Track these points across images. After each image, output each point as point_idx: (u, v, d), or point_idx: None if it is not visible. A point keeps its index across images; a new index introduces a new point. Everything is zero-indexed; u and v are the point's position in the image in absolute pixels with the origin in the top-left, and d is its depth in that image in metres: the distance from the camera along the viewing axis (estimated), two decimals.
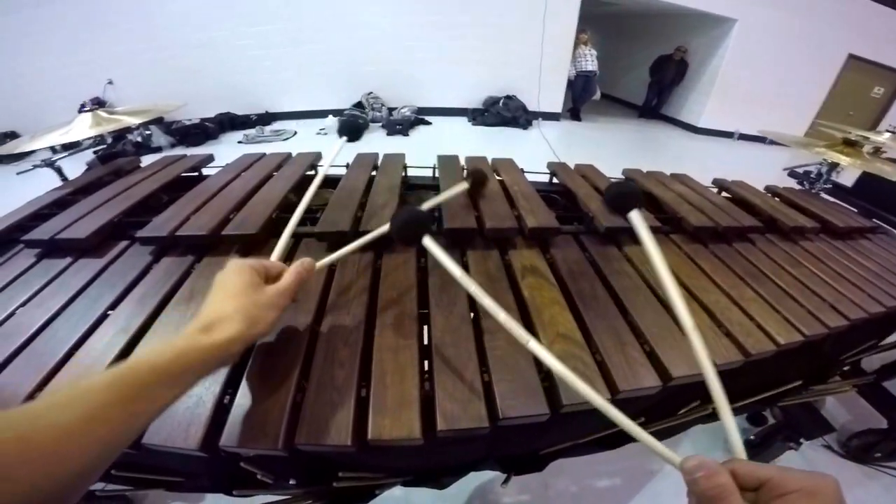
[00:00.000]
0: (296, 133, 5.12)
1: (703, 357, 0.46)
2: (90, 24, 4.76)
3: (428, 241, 0.59)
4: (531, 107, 5.97)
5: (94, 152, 1.58)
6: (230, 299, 0.46)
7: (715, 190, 1.34)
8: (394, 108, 5.49)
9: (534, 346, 0.48)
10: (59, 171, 1.53)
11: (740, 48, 6.37)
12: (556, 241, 0.88)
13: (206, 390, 0.53)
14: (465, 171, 0.93)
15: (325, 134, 5.01)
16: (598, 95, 6.63)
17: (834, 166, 1.62)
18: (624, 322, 0.69)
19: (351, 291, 0.69)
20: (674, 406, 0.85)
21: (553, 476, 1.49)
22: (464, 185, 0.88)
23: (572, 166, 1.30)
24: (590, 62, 6.24)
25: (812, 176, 1.74)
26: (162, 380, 0.38)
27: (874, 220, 1.37)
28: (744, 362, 0.68)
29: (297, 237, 0.82)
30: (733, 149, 6.43)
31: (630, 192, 0.61)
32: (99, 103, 4.47)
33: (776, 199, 1.33)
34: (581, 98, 6.55)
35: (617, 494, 1.47)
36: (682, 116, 7.40)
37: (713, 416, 1.01)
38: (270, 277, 0.53)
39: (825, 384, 1.19)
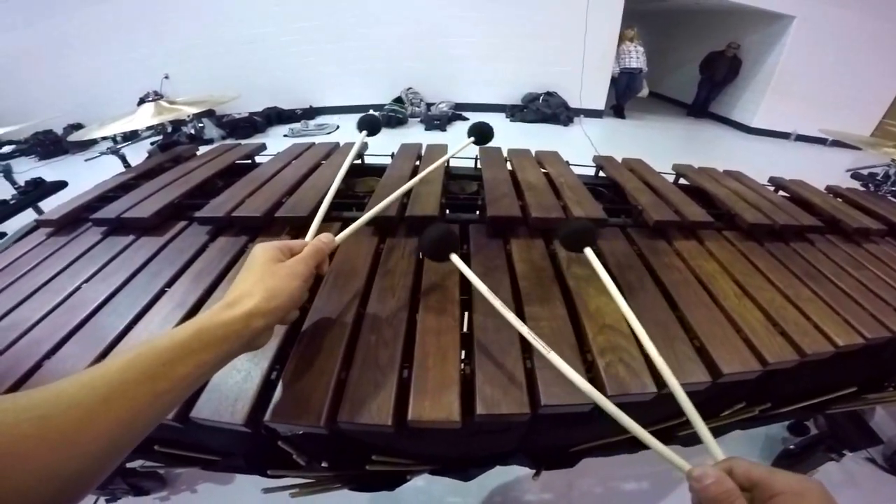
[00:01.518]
0: (338, 127, 5.24)
1: (668, 374, 0.48)
2: (146, 22, 5.07)
3: (455, 259, 0.60)
4: (573, 104, 5.83)
5: (151, 143, 1.68)
6: (252, 276, 0.47)
7: (771, 188, 1.27)
8: (432, 104, 5.52)
9: (554, 357, 0.48)
10: (122, 158, 1.64)
11: (799, 46, 5.97)
12: (604, 232, 0.87)
13: (255, 366, 0.55)
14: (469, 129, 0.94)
15: None
16: (645, 93, 6.40)
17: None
18: (673, 316, 0.67)
19: (396, 275, 0.71)
20: (717, 407, 0.82)
21: (578, 476, 1.46)
22: (469, 140, 0.90)
23: (619, 160, 1.27)
24: (635, 59, 6.02)
25: (879, 178, 1.63)
26: (181, 356, 0.36)
27: None
28: (798, 362, 0.64)
29: (345, 222, 0.85)
30: (790, 150, 6.04)
31: (585, 229, 0.63)
32: (158, 96, 4.74)
33: (838, 199, 1.25)
34: (625, 95, 6.34)
35: (642, 499, 1.42)
36: (734, 116, 7.02)
37: (756, 421, 0.97)
38: (294, 255, 0.53)
39: (880, 393, 1.10)
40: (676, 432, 0.78)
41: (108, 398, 0.31)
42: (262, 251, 0.50)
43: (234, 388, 0.53)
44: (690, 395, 0.58)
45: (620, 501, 1.43)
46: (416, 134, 4.99)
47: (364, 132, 0.91)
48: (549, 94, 5.76)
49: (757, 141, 6.29)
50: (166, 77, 5.23)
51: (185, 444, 0.71)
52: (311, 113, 5.79)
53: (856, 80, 6.23)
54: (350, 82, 5.77)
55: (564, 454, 0.81)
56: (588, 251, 0.62)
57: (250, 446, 0.70)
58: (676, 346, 0.61)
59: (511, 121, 5.67)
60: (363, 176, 1.12)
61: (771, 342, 0.64)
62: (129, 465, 1.26)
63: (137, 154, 1.57)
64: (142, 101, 1.53)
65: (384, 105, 5.41)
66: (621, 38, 5.83)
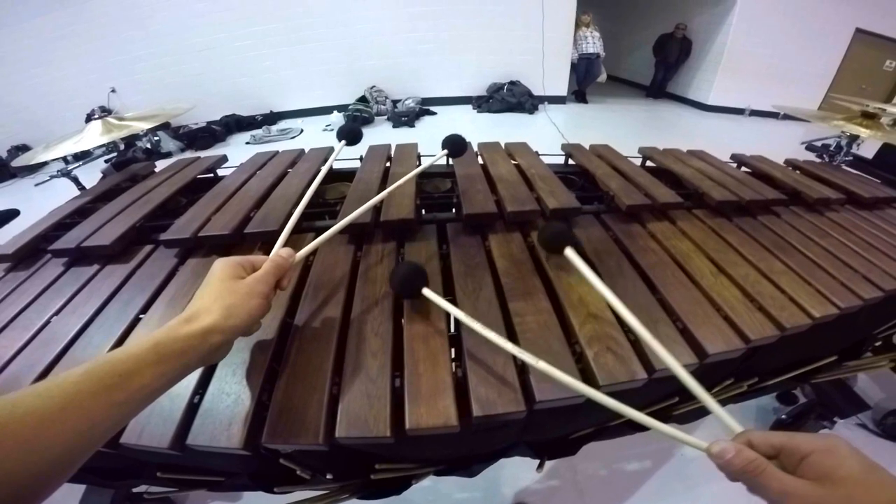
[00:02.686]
0: (302, 131, 5.13)
1: (666, 355, 0.49)
2: (88, 36, 4.80)
3: (427, 293, 0.60)
4: (536, 91, 5.89)
5: (106, 161, 1.60)
6: (210, 292, 0.47)
7: (734, 165, 1.31)
8: (398, 101, 5.47)
9: (543, 365, 0.48)
10: (75, 180, 1.55)
11: (745, 24, 6.23)
12: (578, 221, 0.88)
13: (245, 388, 0.53)
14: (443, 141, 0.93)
15: (332, 130, 5.00)
16: (603, 77, 6.52)
17: (854, 139, 1.59)
18: (653, 299, 0.68)
19: (377, 283, 0.69)
20: (706, 385, 0.84)
21: (582, 460, 1.48)
22: (444, 153, 0.90)
23: (587, 147, 1.28)
24: (592, 44, 6.13)
25: (832, 149, 1.71)
26: (138, 368, 0.37)
27: None
28: (779, 337, 0.67)
29: (317, 232, 0.83)
30: (745, 125, 6.28)
31: (562, 231, 0.66)
32: (105, 112, 4.52)
33: (797, 172, 1.30)
34: (585, 80, 6.45)
35: (647, 477, 1.46)
36: (690, 94, 7.25)
37: (745, 394, 1.00)
38: (256, 269, 0.52)
39: (859, 360, 1.16)
40: (671, 411, 0.80)
41: (64, 407, 0.32)
42: (222, 267, 0.50)
43: (225, 412, 0.51)
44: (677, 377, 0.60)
45: (625, 481, 1.46)
46: (383, 132, 4.93)
47: (343, 142, 0.89)
48: (512, 83, 5.79)
49: (714, 118, 6.52)
50: (113, 91, 5.00)
51: (189, 468, 0.69)
52: (272, 118, 5.64)
53: (801, 54, 6.54)
54: (311, 84, 5.65)
55: (565, 442, 0.82)
56: (569, 251, 0.63)
57: (253, 465, 0.68)
58: (660, 329, 0.62)
59: (478, 112, 5.69)
60: (332, 182, 1.10)
61: (751, 319, 0.66)
62: (134, 490, 1.22)
63: (91, 174, 1.49)
64: (89, 118, 1.45)
65: (348, 105, 5.33)
66: (578, 24, 5.92)
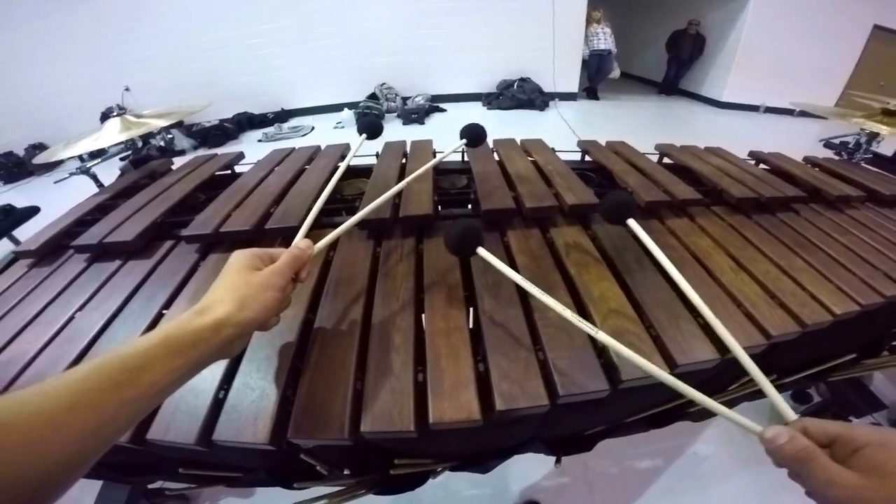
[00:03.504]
0: (313, 128, 5.15)
1: (730, 339, 0.49)
2: (100, 34, 4.86)
3: (482, 252, 0.60)
4: (547, 88, 5.86)
5: (121, 159, 1.62)
6: (225, 284, 0.45)
7: (752, 162, 1.29)
8: (408, 98, 5.47)
9: (603, 336, 0.49)
10: (94, 177, 1.58)
11: (759, 21, 6.13)
12: (597, 217, 0.87)
13: (270, 384, 0.54)
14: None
15: (343, 127, 5.02)
16: (616, 74, 6.45)
17: (874, 136, 1.56)
18: (674, 295, 0.68)
19: (397, 278, 0.70)
20: (724, 382, 0.84)
21: (593, 457, 1.47)
22: (462, 142, 0.91)
23: (603, 144, 1.27)
24: (603, 40, 6.07)
25: (850, 146, 1.68)
26: (148, 363, 0.36)
27: None
28: (800, 333, 0.66)
29: (336, 227, 0.83)
30: (760, 122, 6.18)
31: (625, 202, 0.66)
32: (122, 110, 4.57)
33: (816, 169, 1.28)
34: (597, 77, 6.39)
35: (657, 475, 1.45)
36: (704, 91, 7.15)
37: (761, 393, 0.99)
38: (274, 262, 0.51)
39: (877, 358, 1.14)
40: (685, 409, 0.80)
41: (73, 406, 0.31)
42: (238, 258, 0.48)
43: (251, 407, 0.52)
44: (698, 373, 0.60)
45: (636, 479, 1.45)
46: (394, 129, 4.93)
47: (363, 136, 0.90)
48: (523, 80, 5.77)
49: (728, 115, 6.43)
50: (127, 89, 5.05)
51: (208, 464, 0.70)
52: (283, 116, 5.68)
53: (817, 51, 6.42)
54: (322, 82, 5.67)
55: (581, 439, 0.82)
56: (632, 222, 0.64)
57: (273, 462, 0.69)
58: (682, 324, 0.62)
59: (488, 109, 5.67)
60: (349, 178, 1.10)
61: (772, 315, 0.66)
62: (150, 486, 1.24)
63: (108, 172, 1.51)
64: (105, 117, 1.47)
65: (359, 102, 5.34)
66: (589, 21, 5.86)
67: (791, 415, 0.40)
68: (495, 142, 1.19)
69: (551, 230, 0.82)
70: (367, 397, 0.52)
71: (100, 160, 1.75)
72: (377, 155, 1.16)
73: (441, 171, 1.13)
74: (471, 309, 0.66)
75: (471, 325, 0.62)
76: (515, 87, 5.68)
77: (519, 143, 1.21)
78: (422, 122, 5.00)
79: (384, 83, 5.56)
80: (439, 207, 0.94)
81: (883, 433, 0.34)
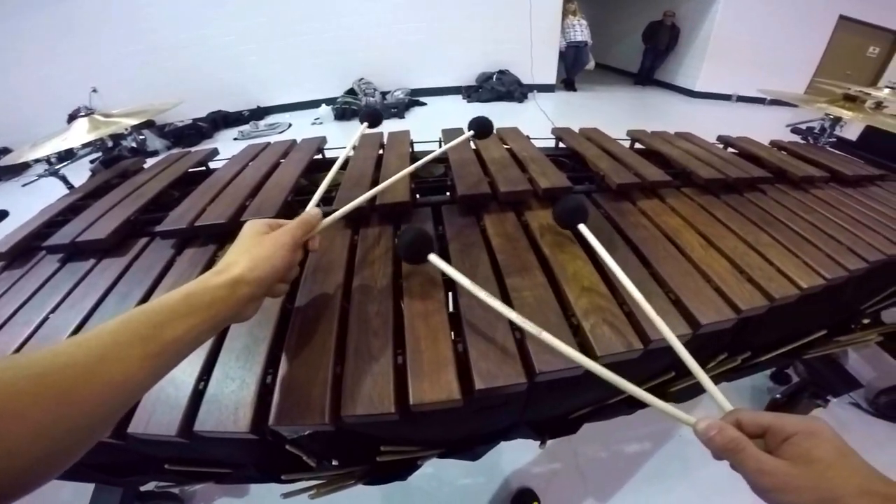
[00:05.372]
0: (291, 125, 5.08)
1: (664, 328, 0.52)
2: (69, 34, 4.69)
3: (434, 258, 0.60)
4: (525, 80, 5.90)
5: (91, 161, 1.58)
6: (239, 247, 0.49)
7: (720, 146, 1.33)
8: (387, 92, 5.44)
9: (546, 336, 0.50)
10: (63, 179, 1.53)
11: (731, 11, 6.29)
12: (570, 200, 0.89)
13: (248, 371, 0.54)
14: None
15: (321, 123, 4.97)
16: (591, 65, 6.52)
17: (837, 121, 1.62)
18: (646, 273, 0.70)
19: (375, 264, 0.70)
20: (700, 360, 0.86)
21: (582, 443, 1.52)
22: (470, 133, 0.92)
23: (576, 130, 1.29)
24: (579, 32, 6.13)
25: (816, 131, 1.74)
26: (171, 319, 0.38)
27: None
28: (769, 307, 0.69)
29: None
30: (733, 110, 6.34)
31: (578, 206, 0.68)
32: (89, 110, 4.43)
33: (782, 152, 1.32)
34: (574, 68, 6.45)
35: (646, 459, 1.49)
36: (678, 81, 7.29)
37: (739, 371, 1.03)
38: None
39: (849, 335, 1.19)
40: (667, 388, 0.82)
41: (102, 357, 0.32)
42: (251, 226, 0.52)
43: (231, 396, 0.52)
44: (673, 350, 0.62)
45: (625, 462, 1.49)
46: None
47: (365, 124, 0.92)
48: (501, 72, 5.79)
49: (701, 104, 6.57)
50: (94, 90, 4.90)
51: (196, 460, 0.70)
52: (259, 113, 5.58)
53: (786, 41, 6.61)
54: (298, 78, 5.59)
55: (565, 421, 0.84)
56: (583, 227, 0.65)
57: (259, 454, 0.69)
58: (654, 301, 0.64)
59: (468, 102, 5.67)
60: (323, 170, 1.10)
61: (741, 290, 0.68)
62: (143, 488, 1.22)
63: (78, 174, 1.48)
64: (72, 118, 1.42)
65: (336, 98, 5.28)
66: (564, 13, 5.91)
67: (726, 406, 0.42)
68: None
69: (526, 213, 0.83)
70: (347, 382, 0.52)
71: (68, 162, 1.70)
72: (354, 148, 1.15)
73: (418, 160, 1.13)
74: (450, 293, 0.67)
75: (452, 309, 0.63)
76: (494, 79, 5.70)
77: (495, 131, 1.22)
78: (401, 117, 4.98)
79: (362, 78, 5.51)
80: (417, 196, 0.95)
81: (810, 422, 0.35)
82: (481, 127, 0.93)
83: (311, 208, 0.59)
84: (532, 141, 1.17)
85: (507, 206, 0.86)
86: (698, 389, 0.92)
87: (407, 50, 5.60)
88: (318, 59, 5.48)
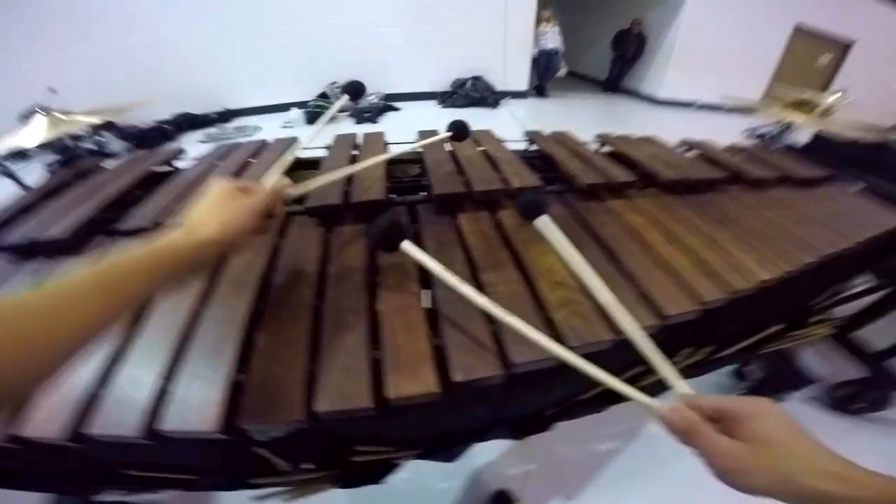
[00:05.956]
0: (260, 129, 4.96)
1: (628, 324, 0.53)
2: (26, 32, 4.46)
3: (406, 245, 0.60)
4: (498, 86, 5.96)
5: (49, 165, 1.51)
6: (206, 207, 0.50)
7: (683, 149, 1.39)
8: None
9: (513, 320, 0.52)
10: (14, 177, 1.46)
11: (694, 20, 6.57)
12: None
13: (216, 371, 0.53)
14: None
15: (291, 127, 4.88)
16: (563, 72, 6.66)
17: (788, 126, 1.73)
18: (613, 269, 0.72)
19: (349, 261, 0.70)
20: (669, 351, 0.90)
21: (557, 442, 1.53)
22: (448, 134, 0.94)
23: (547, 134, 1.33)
24: (552, 40, 6.27)
25: (770, 136, 1.85)
26: (136, 272, 0.40)
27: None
28: (730, 299, 0.72)
29: (288, 215, 0.82)
30: (694, 117, 6.60)
31: (538, 200, 0.68)
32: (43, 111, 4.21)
33: (740, 155, 1.39)
34: (545, 75, 6.58)
35: (619, 456, 1.53)
36: (643, 89, 7.54)
37: (703, 367, 1.07)
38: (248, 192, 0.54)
39: (804, 329, 1.26)
40: (636, 383, 0.85)
41: (61, 306, 0.34)
42: (219, 185, 0.53)
43: (198, 396, 0.50)
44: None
45: (599, 461, 1.51)
46: (346, 129, 4.83)
47: (346, 96, 0.92)
48: (475, 78, 5.85)
49: (665, 111, 6.81)
50: (53, 91, 4.66)
51: (163, 466, 0.67)
52: (227, 116, 5.43)
53: (745, 49, 6.97)
54: (269, 81, 5.47)
55: (539, 419, 0.85)
56: (543, 219, 0.66)
57: (228, 458, 0.67)
58: (621, 294, 0.66)
59: (443, 107, 5.69)
60: (297, 170, 1.09)
61: (704, 282, 0.72)
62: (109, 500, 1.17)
63: (31, 176, 1.41)
64: (27, 118, 1.36)
65: (308, 102, 5.21)
66: (538, 20, 6.02)
67: (686, 390, 0.43)
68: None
69: (500, 212, 0.85)
70: (320, 377, 0.52)
71: (23, 163, 1.61)
72: (328, 148, 1.15)
73: (393, 161, 1.14)
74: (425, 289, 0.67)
75: (429, 305, 0.64)
76: (469, 85, 5.76)
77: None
78: (374, 121, 4.95)
79: (335, 82, 5.45)
80: (394, 195, 0.95)
81: (761, 404, 0.37)
82: (459, 129, 0.95)
83: (281, 178, 0.61)
84: (505, 143, 1.19)
85: (482, 204, 0.87)
86: (666, 385, 0.96)
87: (382, 54, 5.56)
88: (290, 62, 5.38)
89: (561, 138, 1.29)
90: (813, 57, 7.61)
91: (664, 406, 0.40)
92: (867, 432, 1.72)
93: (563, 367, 0.50)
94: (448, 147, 1.12)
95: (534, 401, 0.84)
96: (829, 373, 1.87)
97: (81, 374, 0.53)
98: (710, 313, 0.71)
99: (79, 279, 0.36)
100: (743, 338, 1.09)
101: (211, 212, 0.49)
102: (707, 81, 6.82)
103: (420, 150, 1.03)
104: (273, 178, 0.61)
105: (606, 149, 1.31)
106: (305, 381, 0.51)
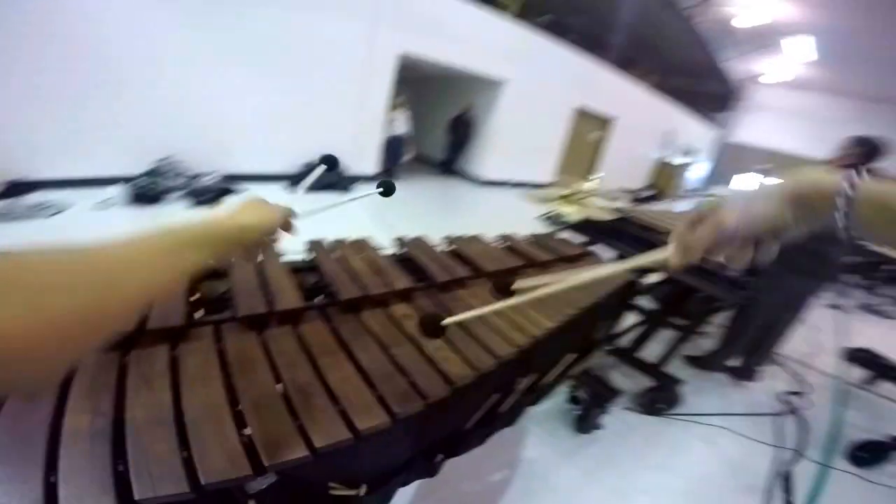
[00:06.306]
0: (68, 207, 4.11)
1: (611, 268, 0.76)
2: None
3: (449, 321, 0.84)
4: (350, 170, 6.17)
5: None
6: (244, 204, 0.68)
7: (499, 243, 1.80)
8: (196, 176, 5.04)
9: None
10: None
11: (508, 106, 7.92)
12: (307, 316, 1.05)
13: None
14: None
15: (113, 204, 4.25)
16: (409, 156, 7.29)
17: (560, 215, 2.45)
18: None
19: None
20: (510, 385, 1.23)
21: (461, 481, 1.76)
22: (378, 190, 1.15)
23: (387, 227, 1.59)
24: (401, 125, 6.88)
25: (554, 218, 2.58)
26: (192, 244, 0.48)
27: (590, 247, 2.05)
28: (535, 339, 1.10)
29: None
30: (509, 195, 7.79)
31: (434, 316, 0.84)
32: None
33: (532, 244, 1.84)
34: (395, 159, 7.09)
35: (512, 483, 1.81)
36: (471, 171, 8.64)
37: (536, 394, 1.51)
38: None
39: (590, 354, 1.73)
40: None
41: (143, 262, 0.41)
42: (253, 197, 0.72)
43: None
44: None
45: (496, 491, 1.76)
46: (177, 212, 4.39)
47: (323, 167, 1.10)
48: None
49: (488, 192, 7.94)
50: None
51: None
52: (22, 188, 4.26)
53: (543, 129, 8.72)
54: (85, 149, 4.61)
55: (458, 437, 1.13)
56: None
57: None
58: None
59: (293, 192, 5.55)
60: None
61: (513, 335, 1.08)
62: None
63: None
64: None
65: (136, 177, 4.61)
66: (392, 106, 6.58)
67: (666, 252, 0.56)
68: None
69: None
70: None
71: None
72: None
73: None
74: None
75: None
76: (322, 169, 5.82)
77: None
78: (212, 204, 4.64)
79: (168, 157, 4.97)
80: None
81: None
82: (388, 188, 1.11)
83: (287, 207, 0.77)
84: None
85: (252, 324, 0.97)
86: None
87: (226, 131, 5.29)
88: (116, 130, 4.68)
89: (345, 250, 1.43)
90: (586, 134, 9.92)
91: (669, 250, 0.55)
92: (675, 428, 2.36)
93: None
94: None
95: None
96: (631, 386, 2.49)
97: None
98: (527, 352, 1.05)
99: (153, 240, 0.42)
100: (554, 365, 1.45)
101: (247, 208, 0.66)
102: (517, 162, 8.20)
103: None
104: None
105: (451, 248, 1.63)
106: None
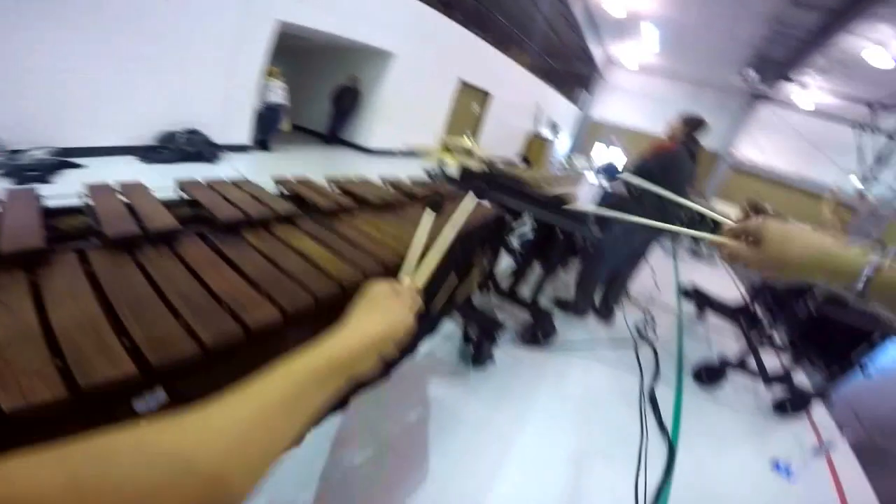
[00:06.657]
0: None
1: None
2: None
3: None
4: (217, 139, 5.68)
5: None
6: (368, 307, 0.52)
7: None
8: (19, 151, 4.20)
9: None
10: None
11: (396, 76, 7.99)
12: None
13: None
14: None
15: None
16: (286, 126, 6.91)
17: (444, 165, 2.70)
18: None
19: None
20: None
21: (387, 424, 1.87)
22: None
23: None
24: (277, 95, 6.47)
25: (435, 173, 2.80)
26: (315, 382, 0.39)
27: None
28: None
29: None
30: (397, 163, 7.98)
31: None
32: None
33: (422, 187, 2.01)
34: (269, 129, 6.71)
35: (428, 421, 1.96)
36: (357, 140, 8.61)
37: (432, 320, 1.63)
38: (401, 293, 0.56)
39: (468, 278, 1.91)
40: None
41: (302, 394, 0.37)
42: (377, 286, 0.55)
43: None
44: None
45: (418, 432, 1.88)
46: None
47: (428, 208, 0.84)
48: (191, 132, 5.39)
49: (375, 160, 8.02)
50: None
51: None
52: None
53: (430, 101, 8.97)
54: None
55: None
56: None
57: None
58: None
59: (146, 164, 4.99)
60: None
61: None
62: None
63: None
64: None
65: None
66: (266, 75, 6.13)
67: (728, 222, 0.72)
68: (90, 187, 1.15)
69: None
70: None
71: None
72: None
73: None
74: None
75: None
76: (183, 139, 5.29)
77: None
78: (46, 181, 3.96)
79: None
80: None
81: (760, 222, 0.65)
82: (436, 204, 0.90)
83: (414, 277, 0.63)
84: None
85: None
86: None
87: (60, 98, 4.35)
88: None
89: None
90: (469, 106, 10.51)
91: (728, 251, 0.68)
92: (556, 359, 2.75)
93: None
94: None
95: None
96: (513, 321, 2.85)
97: None
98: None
99: (261, 394, 0.34)
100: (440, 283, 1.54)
101: (374, 311, 0.51)
102: (404, 132, 8.39)
103: None
104: (408, 279, 0.63)
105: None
106: None
